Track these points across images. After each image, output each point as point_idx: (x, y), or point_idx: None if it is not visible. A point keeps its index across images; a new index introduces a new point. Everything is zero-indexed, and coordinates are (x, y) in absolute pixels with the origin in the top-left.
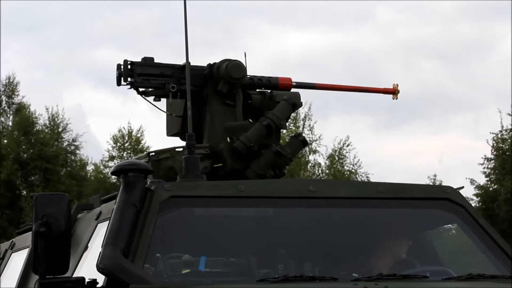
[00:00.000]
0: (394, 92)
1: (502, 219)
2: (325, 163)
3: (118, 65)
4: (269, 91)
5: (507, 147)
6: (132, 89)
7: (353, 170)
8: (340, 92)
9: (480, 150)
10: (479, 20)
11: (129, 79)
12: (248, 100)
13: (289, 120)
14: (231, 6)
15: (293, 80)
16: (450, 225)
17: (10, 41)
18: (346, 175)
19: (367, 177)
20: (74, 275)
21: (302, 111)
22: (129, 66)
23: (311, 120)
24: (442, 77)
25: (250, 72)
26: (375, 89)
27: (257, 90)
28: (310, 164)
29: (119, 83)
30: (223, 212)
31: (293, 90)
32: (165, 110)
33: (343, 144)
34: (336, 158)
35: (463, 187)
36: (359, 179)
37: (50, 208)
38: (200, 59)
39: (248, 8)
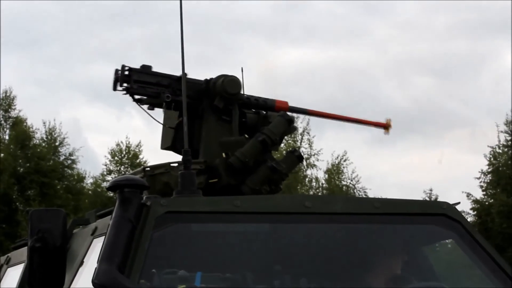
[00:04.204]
0: (386, 126)
1: (496, 233)
2: (324, 177)
3: (116, 70)
4: (264, 112)
5: (503, 161)
6: (128, 95)
7: (351, 185)
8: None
9: (475, 165)
10: (472, 37)
11: (125, 84)
12: (243, 118)
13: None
14: (226, 23)
15: (289, 104)
16: (446, 240)
17: (6, 56)
18: (344, 190)
19: (365, 192)
20: None
21: (300, 125)
22: (126, 72)
23: (309, 134)
24: (436, 93)
25: (247, 87)
26: (368, 121)
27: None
28: (307, 179)
29: (115, 88)
30: (219, 227)
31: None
32: (160, 121)
33: (341, 159)
34: (334, 172)
35: (459, 203)
36: (356, 194)
37: (46, 224)
38: (195, 76)
39: (244, 24)
